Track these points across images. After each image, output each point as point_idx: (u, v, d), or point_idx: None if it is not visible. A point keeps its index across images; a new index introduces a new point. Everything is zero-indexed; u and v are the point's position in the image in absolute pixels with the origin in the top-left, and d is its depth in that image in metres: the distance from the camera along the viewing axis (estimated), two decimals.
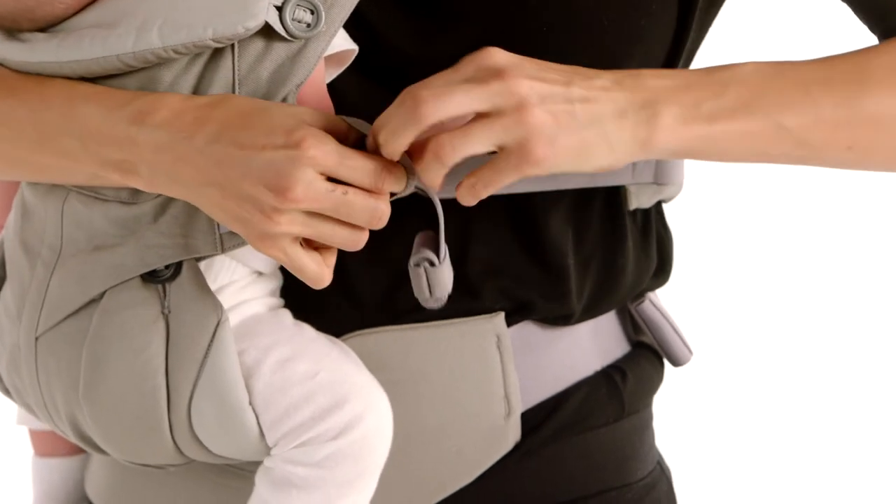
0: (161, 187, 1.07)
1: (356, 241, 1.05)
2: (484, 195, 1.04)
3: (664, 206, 1.34)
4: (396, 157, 1.03)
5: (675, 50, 1.20)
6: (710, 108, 1.06)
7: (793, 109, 1.08)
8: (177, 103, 1.05)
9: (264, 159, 1.01)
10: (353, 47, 1.11)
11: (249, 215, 1.02)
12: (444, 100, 1.00)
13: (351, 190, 1.02)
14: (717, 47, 1.43)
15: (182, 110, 1.05)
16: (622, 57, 1.15)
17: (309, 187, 1.00)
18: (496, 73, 1.01)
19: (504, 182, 1.03)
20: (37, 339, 1.16)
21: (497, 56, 1.02)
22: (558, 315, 1.22)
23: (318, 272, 1.05)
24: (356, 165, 1.02)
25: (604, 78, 1.05)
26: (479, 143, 1.01)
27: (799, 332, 2.83)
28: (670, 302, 1.36)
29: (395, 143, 1.02)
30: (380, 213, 1.04)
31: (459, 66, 1.03)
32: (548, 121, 1.01)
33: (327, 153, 1.01)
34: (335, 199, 1.02)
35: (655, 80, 1.06)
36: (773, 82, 1.08)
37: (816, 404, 2.78)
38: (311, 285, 1.06)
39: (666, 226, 1.33)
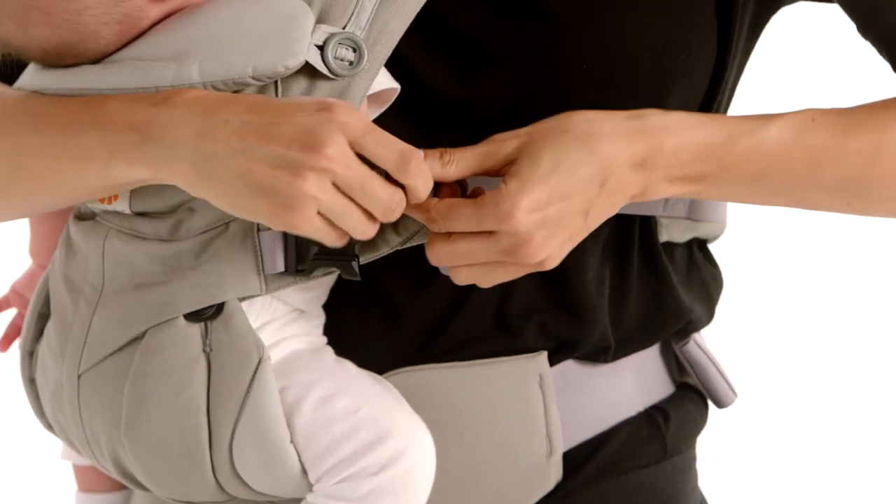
0: (170, 168, 1.06)
1: (366, 231, 1.05)
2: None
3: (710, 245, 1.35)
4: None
5: (716, 83, 1.20)
6: (714, 181, 1.11)
7: (799, 182, 1.13)
8: (199, 91, 1.06)
9: (296, 122, 1.02)
10: (395, 86, 1.12)
11: (278, 180, 1.01)
12: (451, 253, 1.08)
13: (374, 172, 1.03)
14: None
15: (205, 95, 1.06)
16: (663, 93, 1.16)
17: (343, 151, 1.01)
18: (514, 247, 1.06)
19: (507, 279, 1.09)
20: (79, 376, 1.18)
21: (517, 226, 1.05)
22: (597, 349, 1.22)
23: (335, 236, 1.06)
24: (384, 140, 1.03)
25: (634, 176, 1.08)
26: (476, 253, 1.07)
27: (848, 374, 2.81)
28: (715, 343, 1.36)
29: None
30: (398, 201, 1.04)
31: (484, 211, 1.05)
32: (554, 250, 1.08)
33: (358, 121, 1.02)
34: (363, 172, 1.02)
35: (671, 156, 1.09)
36: (788, 154, 1.12)
37: (863, 447, 2.77)
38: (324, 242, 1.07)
39: (713, 266, 1.34)
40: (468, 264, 1.07)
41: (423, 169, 1.04)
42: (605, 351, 1.23)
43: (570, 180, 1.06)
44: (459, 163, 1.06)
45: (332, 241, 1.05)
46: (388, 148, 1.03)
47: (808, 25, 1.49)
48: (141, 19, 1.10)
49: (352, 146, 1.02)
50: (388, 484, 1.11)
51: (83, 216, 1.21)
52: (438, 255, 1.07)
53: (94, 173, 1.09)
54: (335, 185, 1.02)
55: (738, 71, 1.25)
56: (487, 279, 1.08)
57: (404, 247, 1.10)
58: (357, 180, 1.02)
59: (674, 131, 1.08)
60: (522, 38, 1.13)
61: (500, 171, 1.06)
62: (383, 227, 1.08)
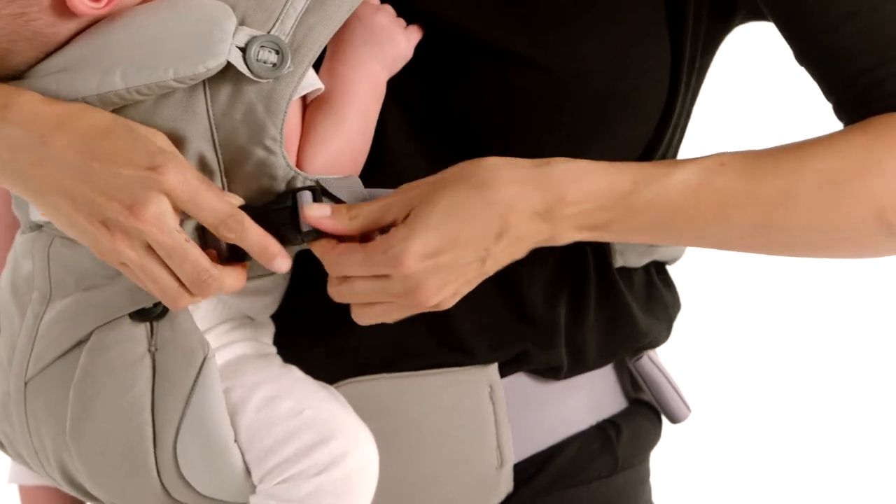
0: (8, 185, 1.10)
1: (175, 299, 1.08)
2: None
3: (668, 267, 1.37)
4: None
5: (670, 107, 1.22)
6: (617, 229, 1.12)
7: (706, 227, 1.13)
8: (35, 104, 1.09)
9: (123, 177, 1.05)
10: (321, 87, 1.14)
11: (94, 229, 1.06)
12: (343, 292, 1.11)
13: (192, 243, 1.07)
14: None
15: (40, 112, 1.08)
16: (614, 118, 1.19)
17: (160, 216, 1.05)
18: (404, 293, 1.09)
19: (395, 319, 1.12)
20: (26, 384, 1.20)
21: (408, 273, 1.07)
22: (548, 367, 1.24)
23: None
24: (208, 202, 1.07)
25: (536, 226, 1.09)
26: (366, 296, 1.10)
27: (800, 389, 2.85)
28: (669, 359, 1.38)
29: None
30: (211, 274, 1.07)
31: (375, 258, 1.08)
32: (447, 296, 1.10)
33: (184, 185, 1.06)
34: (176, 239, 1.06)
35: (575, 206, 1.10)
36: (696, 200, 1.11)
37: (818, 462, 2.80)
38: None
39: (671, 288, 1.36)
40: (367, 303, 1.11)
41: (247, 229, 1.07)
42: (556, 370, 1.25)
43: (464, 228, 1.08)
44: (365, 217, 1.10)
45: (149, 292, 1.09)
46: (213, 210, 1.07)
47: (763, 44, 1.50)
48: (54, 34, 1.11)
49: (176, 207, 1.06)
50: (329, 485, 1.13)
51: (29, 229, 1.23)
52: (337, 293, 1.12)
53: None
54: (151, 248, 1.06)
55: (694, 93, 1.27)
56: (389, 318, 1.12)
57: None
58: (166, 246, 1.06)
59: (577, 180, 1.10)
60: (476, 42, 1.16)
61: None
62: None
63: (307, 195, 1.09)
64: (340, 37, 1.15)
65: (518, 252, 1.11)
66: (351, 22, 1.14)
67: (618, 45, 1.17)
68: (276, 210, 1.09)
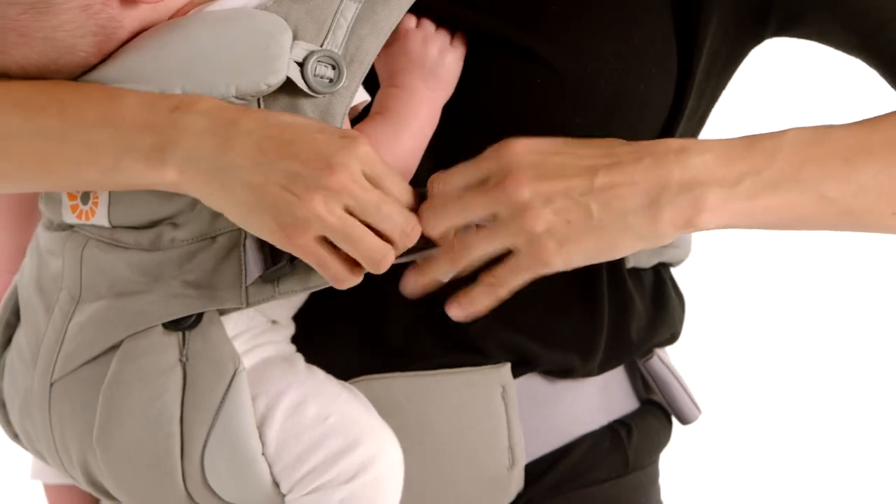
0: (191, 174, 1.08)
1: (384, 256, 1.08)
2: (504, 295, 1.10)
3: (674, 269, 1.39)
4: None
5: (675, 114, 1.24)
6: (751, 184, 1.10)
7: (834, 179, 1.11)
8: (215, 102, 1.09)
9: (317, 142, 1.06)
10: (366, 98, 1.16)
11: (287, 197, 1.05)
12: (446, 211, 1.09)
13: (391, 197, 1.08)
14: (732, 108, 1.47)
15: (226, 105, 1.09)
16: (623, 123, 1.21)
17: (358, 174, 1.05)
18: (501, 177, 1.08)
19: (522, 280, 1.09)
20: (52, 384, 1.21)
21: (511, 157, 1.08)
22: (561, 368, 1.26)
23: (342, 271, 1.09)
24: (399, 177, 1.08)
25: (644, 160, 1.09)
26: (483, 249, 1.09)
27: (810, 391, 2.85)
28: (680, 360, 1.40)
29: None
30: (413, 224, 1.08)
31: (481, 159, 1.09)
32: (554, 223, 1.07)
33: (378, 156, 1.07)
34: (379, 194, 1.07)
35: (698, 155, 1.09)
36: (814, 152, 1.11)
37: (826, 463, 2.80)
38: (334, 285, 1.10)
39: (678, 289, 1.38)
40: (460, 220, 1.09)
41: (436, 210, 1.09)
42: (568, 371, 1.27)
43: (584, 145, 1.09)
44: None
45: (333, 272, 1.09)
46: (403, 184, 1.08)
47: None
48: (116, 30, 1.13)
49: (367, 177, 1.06)
50: (360, 491, 1.14)
51: (56, 227, 1.23)
52: (430, 209, 1.10)
53: (98, 169, 1.11)
54: (348, 211, 1.06)
55: (711, 100, 1.29)
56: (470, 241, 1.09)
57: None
58: (373, 201, 1.06)
59: (691, 143, 1.11)
60: (489, 37, 1.19)
61: None
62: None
63: None
64: (394, 68, 1.17)
65: (639, 190, 1.07)
66: (400, 57, 1.17)
67: (630, 48, 1.19)
68: None
